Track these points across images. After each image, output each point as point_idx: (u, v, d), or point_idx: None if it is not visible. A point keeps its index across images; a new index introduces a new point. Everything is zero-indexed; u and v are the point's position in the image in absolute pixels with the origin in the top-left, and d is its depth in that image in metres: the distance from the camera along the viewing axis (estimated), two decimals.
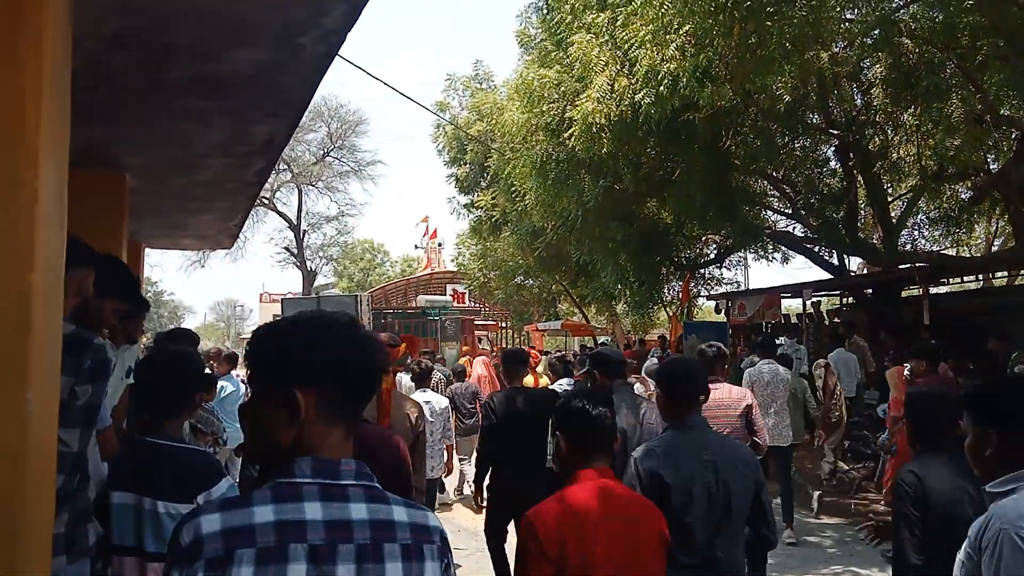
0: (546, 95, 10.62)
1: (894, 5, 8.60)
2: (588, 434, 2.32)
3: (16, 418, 1.72)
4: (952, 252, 14.91)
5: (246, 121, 4.23)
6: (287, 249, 39.56)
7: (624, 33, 8.52)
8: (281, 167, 34.31)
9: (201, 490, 2.46)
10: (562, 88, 10.48)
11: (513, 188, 13.65)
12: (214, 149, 4.78)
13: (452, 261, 30.01)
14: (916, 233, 14.70)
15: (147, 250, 8.98)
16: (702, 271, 17.29)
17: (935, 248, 14.31)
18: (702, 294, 17.98)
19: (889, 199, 13.55)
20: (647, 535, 2.27)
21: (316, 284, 42.53)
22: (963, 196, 13.01)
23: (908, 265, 12.18)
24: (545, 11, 12.31)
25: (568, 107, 10.14)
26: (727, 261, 17.57)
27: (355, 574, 1.23)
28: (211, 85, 3.67)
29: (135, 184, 5.59)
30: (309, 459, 1.26)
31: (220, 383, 6.62)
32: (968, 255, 17.68)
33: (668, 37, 7.94)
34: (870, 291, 14.06)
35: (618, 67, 9.29)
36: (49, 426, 1.99)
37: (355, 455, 1.33)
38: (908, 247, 13.98)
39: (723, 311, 16.04)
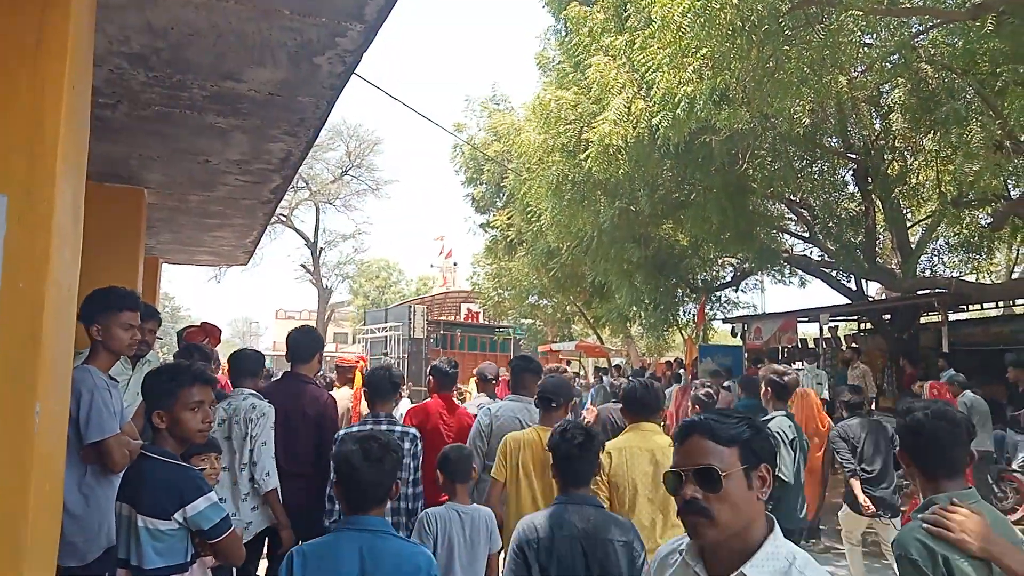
0: (563, 116, 10.66)
1: (914, 30, 8.58)
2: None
3: (24, 429, 1.73)
4: (972, 278, 14.73)
5: (264, 138, 4.29)
6: (303, 266, 39.83)
7: (641, 56, 8.55)
8: (299, 185, 34.63)
9: (177, 507, 2.44)
10: (579, 110, 10.51)
11: (529, 208, 13.67)
12: (232, 166, 4.84)
13: (467, 280, 30.09)
14: (935, 259, 14.53)
15: (164, 265, 9.06)
16: (718, 294, 17.18)
17: (955, 274, 14.13)
18: (718, 317, 17.84)
19: (908, 224, 13.42)
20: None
21: (331, 302, 42.72)
22: (983, 222, 12.88)
23: (927, 291, 12.04)
24: (563, 34, 12.40)
25: (585, 128, 10.16)
26: (743, 284, 17.44)
27: None
28: (230, 103, 3.73)
29: (153, 199, 5.67)
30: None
31: None
32: (988, 281, 17.46)
33: (685, 60, 7.95)
34: (888, 317, 13.91)
35: (635, 89, 9.31)
36: (58, 438, 2.00)
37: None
38: (927, 273, 13.82)
39: (739, 335, 15.91)
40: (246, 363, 4.27)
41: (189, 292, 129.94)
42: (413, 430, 4.06)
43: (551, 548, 2.63)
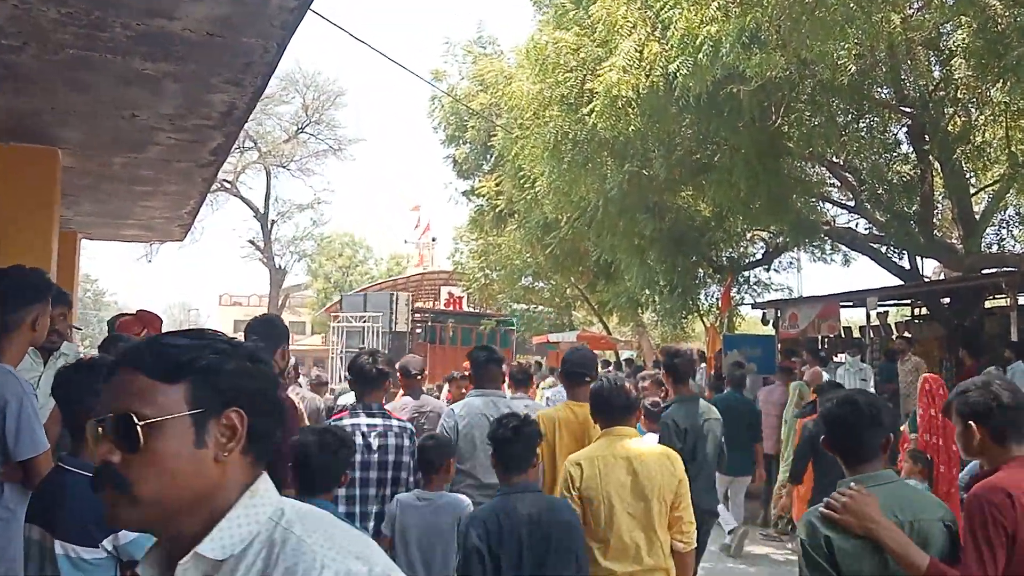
0: (562, 62, 10.61)
1: None
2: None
3: None
4: None
5: (202, 88, 4.26)
6: (252, 242, 39.70)
7: None
8: (246, 144, 34.43)
9: (106, 532, 2.42)
10: (581, 54, 10.47)
11: (521, 172, 13.63)
12: (164, 121, 4.81)
13: (448, 259, 30.08)
14: (1004, 231, 14.62)
15: (84, 241, 9.01)
16: (746, 274, 17.22)
17: None
18: (746, 302, 17.92)
19: (972, 190, 13.47)
20: None
21: (285, 285, 42.64)
22: None
23: (994, 270, 12.09)
24: None
25: (588, 77, 10.12)
26: (776, 263, 17.50)
27: None
28: (161, 45, 3.69)
29: (70, 162, 5.62)
30: None
31: None
32: None
33: None
34: (947, 300, 13.98)
35: (648, 30, 9.27)
36: None
37: None
38: (994, 248, 13.90)
39: (771, 322, 15.97)
40: None
41: (115, 273, 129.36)
42: (410, 425, 4.34)
43: (500, 537, 3.19)
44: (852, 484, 2.59)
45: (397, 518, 3.86)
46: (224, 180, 34.27)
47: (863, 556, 2.48)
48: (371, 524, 3.99)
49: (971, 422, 2.68)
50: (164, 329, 6.94)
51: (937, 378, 8.93)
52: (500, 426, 3.52)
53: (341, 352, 24.69)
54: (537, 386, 14.33)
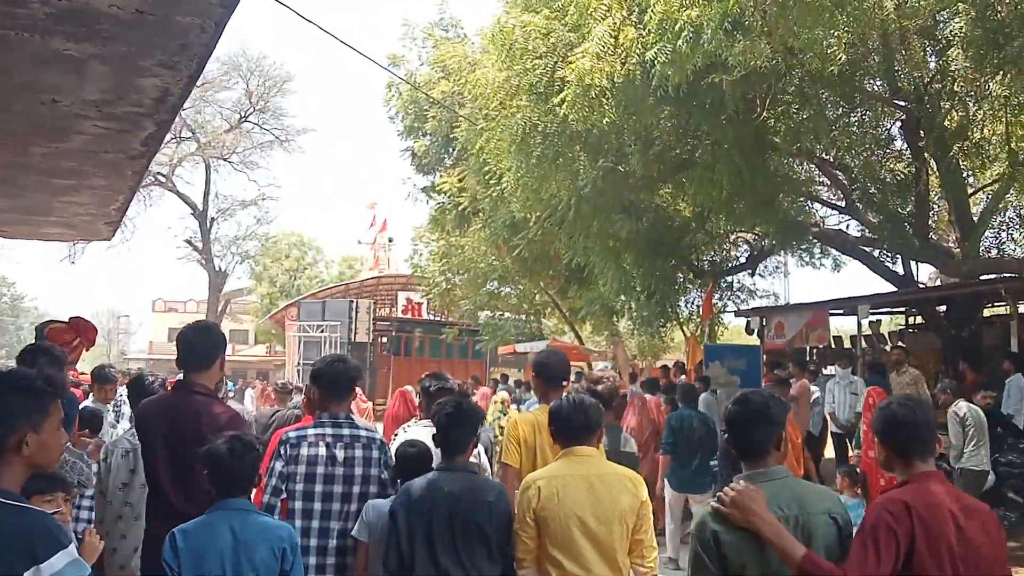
0: (531, 48, 10.62)
1: None
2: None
3: None
4: None
5: (132, 71, 4.21)
6: (189, 242, 39.30)
7: None
8: (183, 134, 34.17)
9: (28, 563, 2.33)
10: (552, 39, 10.49)
11: (487, 167, 13.64)
12: (89, 107, 4.75)
13: (406, 262, 30.00)
14: (1003, 235, 14.86)
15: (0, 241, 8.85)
16: (729, 279, 17.36)
17: None
18: (729, 309, 18.06)
19: (970, 190, 13.67)
20: None
21: (226, 289, 42.27)
22: None
23: (993, 276, 12.27)
24: None
25: (559, 64, 10.14)
26: (762, 267, 17.66)
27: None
28: (85, 23, 3.65)
29: None
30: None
31: None
32: None
33: None
34: (943, 308, 14.18)
35: (624, 13, 9.31)
36: None
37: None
38: (993, 252, 14.11)
39: (756, 331, 16.12)
40: (150, 390, 4.91)
41: (35, 276, 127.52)
42: (379, 436, 4.38)
43: (420, 510, 3.68)
44: (742, 480, 2.95)
45: (374, 525, 3.93)
46: (158, 173, 34.00)
47: (746, 548, 2.82)
48: (332, 542, 3.97)
49: (877, 439, 3.04)
50: (97, 339, 6.90)
51: (882, 392, 9.13)
52: (440, 410, 3.97)
53: (298, 364, 24.59)
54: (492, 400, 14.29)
